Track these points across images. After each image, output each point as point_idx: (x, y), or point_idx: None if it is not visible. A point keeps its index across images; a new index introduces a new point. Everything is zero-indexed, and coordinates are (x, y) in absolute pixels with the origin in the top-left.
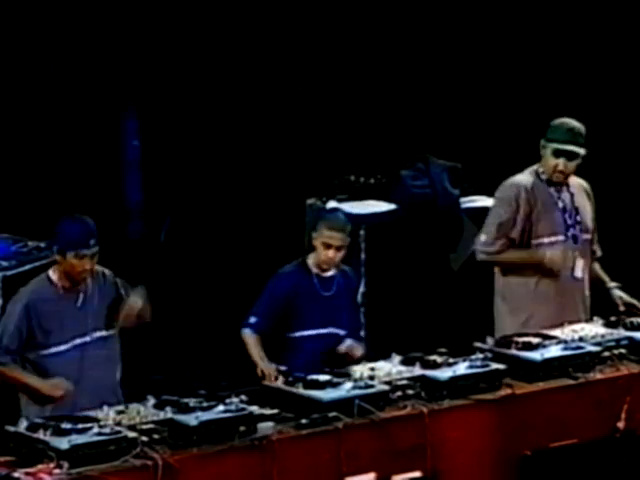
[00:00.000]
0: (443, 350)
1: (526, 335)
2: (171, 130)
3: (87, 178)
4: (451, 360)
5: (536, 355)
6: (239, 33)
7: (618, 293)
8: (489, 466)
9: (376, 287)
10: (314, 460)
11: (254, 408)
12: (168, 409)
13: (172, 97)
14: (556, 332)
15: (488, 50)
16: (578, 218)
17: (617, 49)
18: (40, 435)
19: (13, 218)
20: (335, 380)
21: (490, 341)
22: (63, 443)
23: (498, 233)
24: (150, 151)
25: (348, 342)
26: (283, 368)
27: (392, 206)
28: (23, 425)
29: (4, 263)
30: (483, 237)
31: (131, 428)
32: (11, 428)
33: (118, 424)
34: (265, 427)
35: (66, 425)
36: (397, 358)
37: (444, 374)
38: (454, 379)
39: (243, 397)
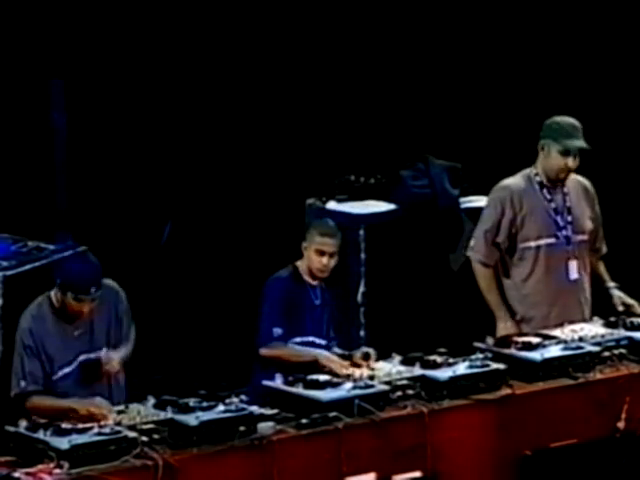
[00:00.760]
0: (443, 350)
1: (526, 335)
2: (171, 130)
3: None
4: (451, 360)
5: (536, 355)
6: (239, 33)
7: (617, 293)
8: (489, 466)
9: (376, 287)
10: (314, 460)
11: (254, 408)
12: (168, 409)
13: (172, 97)
14: (556, 332)
15: (487, 50)
16: (570, 218)
17: (617, 49)
18: (40, 435)
19: None
20: (335, 380)
21: (490, 341)
22: (63, 443)
23: (485, 240)
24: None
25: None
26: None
27: (392, 206)
28: (23, 425)
29: (4, 263)
30: (472, 242)
31: (131, 428)
32: (11, 428)
33: (118, 424)
34: (265, 427)
35: (66, 425)
36: (397, 358)
37: (444, 374)
38: (454, 379)
39: (243, 397)
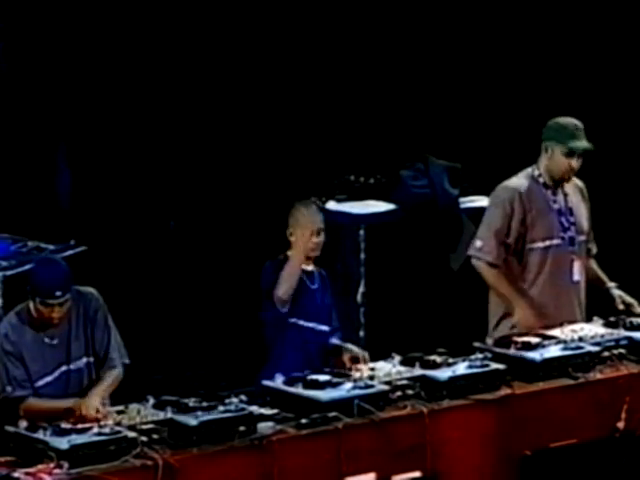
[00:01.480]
0: (443, 350)
1: (526, 335)
2: (172, 130)
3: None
4: (451, 360)
5: (536, 355)
6: (239, 35)
7: (617, 292)
8: (489, 466)
9: (376, 287)
10: (314, 460)
11: (254, 408)
12: (168, 409)
13: (172, 97)
14: (556, 332)
15: (487, 50)
16: (572, 219)
17: (617, 49)
18: (40, 435)
19: None
20: (335, 380)
21: (490, 341)
22: (63, 443)
23: (495, 241)
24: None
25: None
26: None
27: (392, 206)
28: (23, 425)
29: (4, 263)
30: (479, 243)
31: (131, 428)
32: (11, 428)
33: (118, 424)
34: (265, 427)
35: (66, 425)
36: (397, 358)
37: (444, 374)
38: (454, 379)
39: (243, 397)
